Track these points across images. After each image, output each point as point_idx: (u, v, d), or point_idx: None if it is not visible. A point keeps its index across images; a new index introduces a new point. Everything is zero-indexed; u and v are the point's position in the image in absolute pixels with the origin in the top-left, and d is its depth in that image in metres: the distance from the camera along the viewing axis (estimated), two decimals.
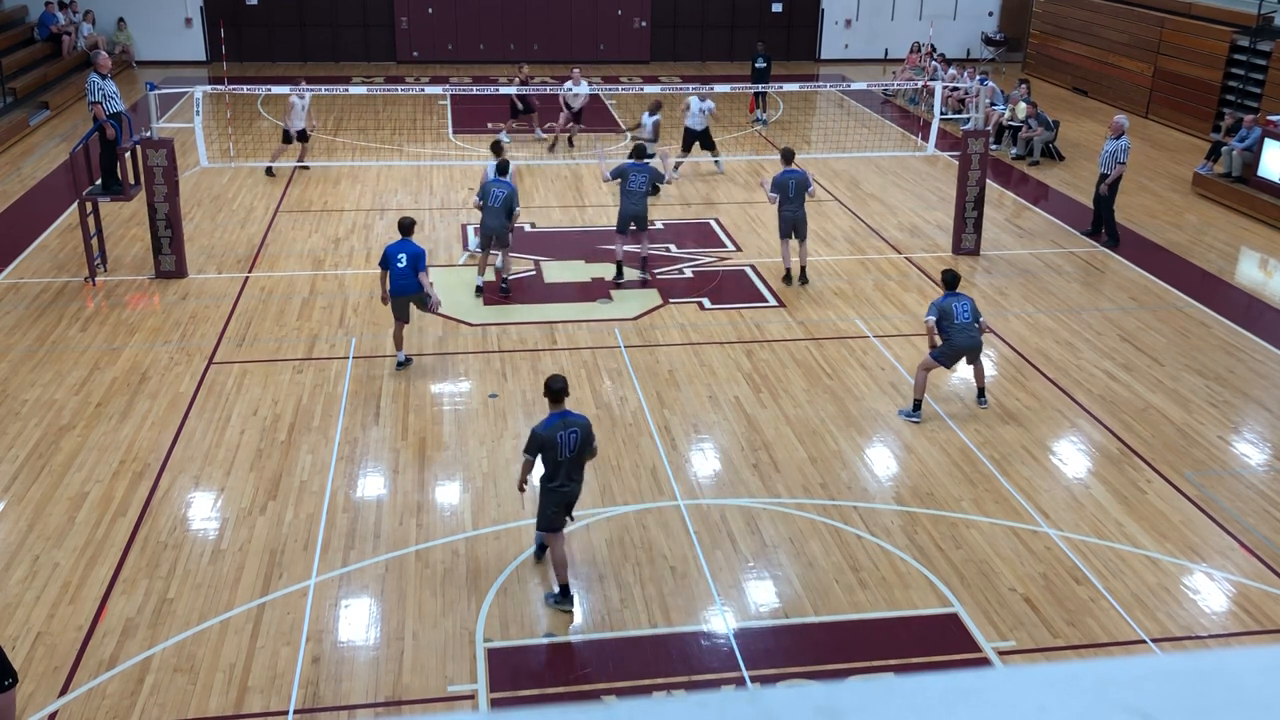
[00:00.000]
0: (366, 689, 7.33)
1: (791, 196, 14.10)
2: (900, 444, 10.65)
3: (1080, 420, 11.21)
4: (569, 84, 20.56)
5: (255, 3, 30.00)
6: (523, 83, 20.79)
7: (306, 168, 19.18)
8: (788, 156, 14.50)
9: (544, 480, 8.07)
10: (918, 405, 11.12)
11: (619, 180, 14.37)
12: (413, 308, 12.02)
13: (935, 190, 19.14)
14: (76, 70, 25.86)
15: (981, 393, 11.43)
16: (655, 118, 18.91)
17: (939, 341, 11.02)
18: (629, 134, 19.04)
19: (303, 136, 19.05)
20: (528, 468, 8.09)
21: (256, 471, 9.93)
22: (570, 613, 8.08)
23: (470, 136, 22.41)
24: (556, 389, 8.08)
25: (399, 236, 12.01)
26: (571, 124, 20.89)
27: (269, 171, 19.09)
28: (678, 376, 11.94)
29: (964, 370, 12.34)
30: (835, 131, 24.03)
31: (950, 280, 11.30)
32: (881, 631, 8.05)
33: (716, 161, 19.97)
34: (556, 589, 8.16)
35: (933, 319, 11.02)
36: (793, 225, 14.32)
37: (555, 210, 17.90)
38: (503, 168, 14.13)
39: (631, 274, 14.71)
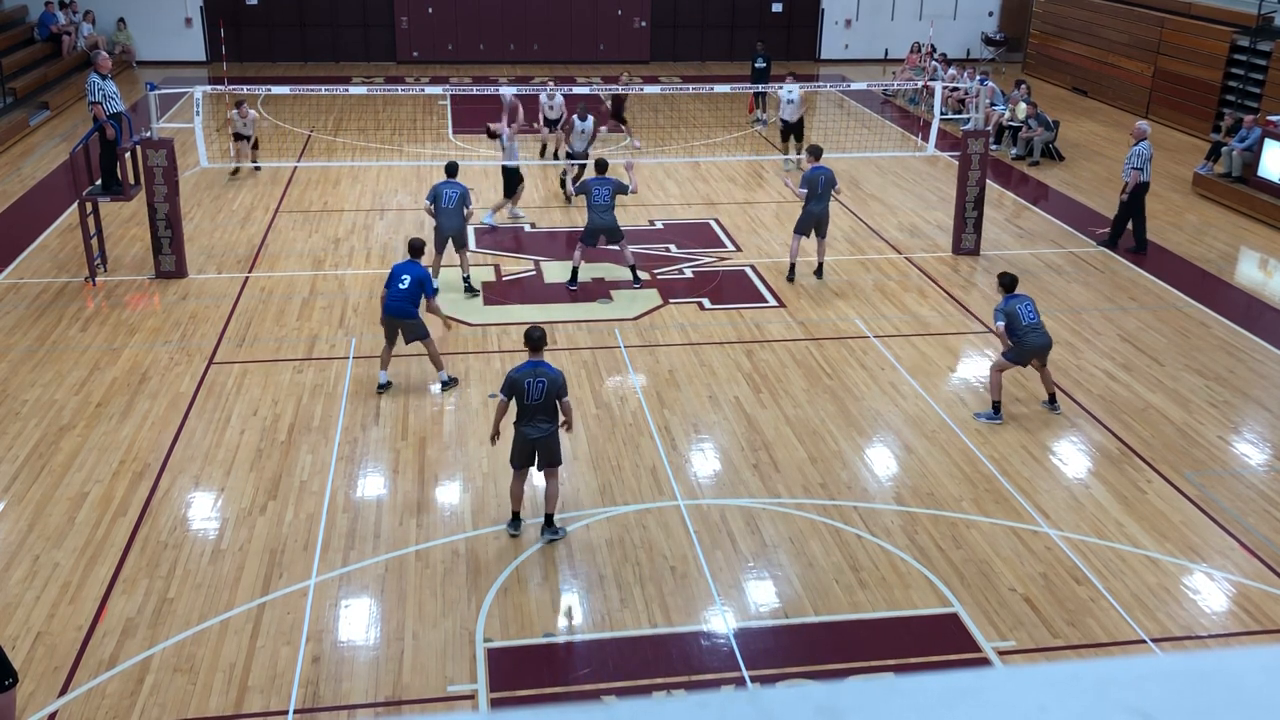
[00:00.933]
0: (366, 689, 7.33)
1: (820, 193, 14.30)
2: (900, 444, 10.65)
3: (1080, 420, 11.21)
4: (544, 95, 19.91)
5: (255, 3, 30.00)
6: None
7: (258, 168, 19.17)
8: (816, 153, 14.67)
9: (515, 422, 8.90)
10: (997, 407, 11.11)
11: (584, 195, 14.31)
12: (400, 336, 11.39)
13: (935, 190, 19.14)
14: (76, 70, 25.86)
15: (1052, 398, 11.35)
16: (587, 122, 18.10)
17: (1009, 344, 11.01)
18: (569, 150, 17.81)
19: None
20: (501, 409, 8.93)
21: (256, 471, 9.93)
22: (556, 540, 8.90)
23: (470, 136, 22.39)
24: (535, 338, 8.98)
25: (395, 244, 11.93)
26: (548, 133, 20.17)
27: (235, 173, 19.08)
28: (678, 376, 11.94)
29: (964, 371, 12.35)
30: (835, 131, 24.02)
31: (1009, 283, 11.29)
32: (881, 631, 8.05)
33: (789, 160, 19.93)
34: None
35: (1002, 324, 10.98)
36: (816, 222, 14.49)
37: (555, 210, 17.90)
38: (451, 169, 14.33)
39: (592, 275, 14.66)
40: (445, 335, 12.49)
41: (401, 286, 11.20)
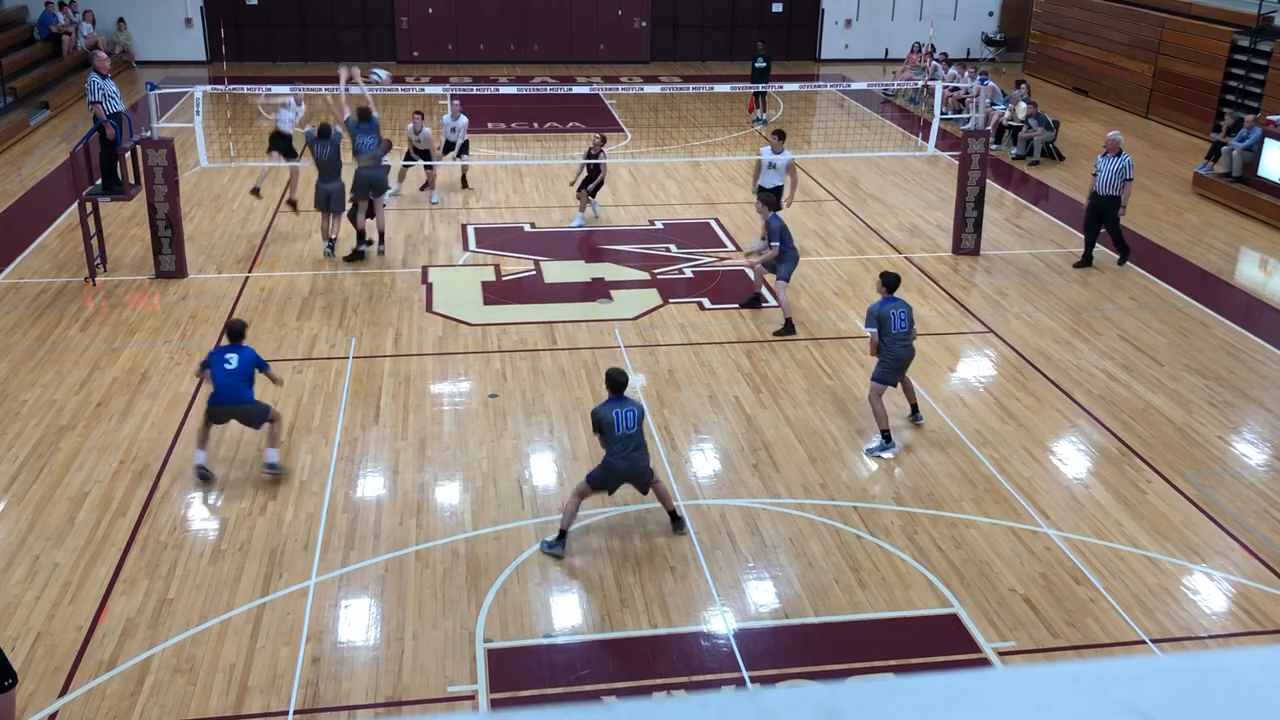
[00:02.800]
0: (366, 689, 7.33)
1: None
2: (900, 444, 10.64)
3: (1080, 420, 11.21)
4: (447, 117, 18.68)
5: (255, 3, 30.00)
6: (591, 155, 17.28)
7: (294, 204, 17.13)
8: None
9: (606, 455, 8.85)
10: (887, 435, 10.38)
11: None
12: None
13: (935, 190, 19.14)
14: (76, 70, 25.86)
15: (915, 409, 10.90)
16: (426, 131, 17.39)
17: (878, 356, 10.41)
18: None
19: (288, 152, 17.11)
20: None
21: (257, 471, 9.92)
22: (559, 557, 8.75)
23: (470, 136, 22.36)
24: (619, 381, 8.84)
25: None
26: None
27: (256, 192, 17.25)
28: (678, 376, 11.94)
29: (964, 371, 12.34)
30: (835, 131, 24.03)
31: (892, 283, 10.52)
32: (881, 631, 8.05)
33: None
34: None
35: (874, 330, 10.31)
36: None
37: (555, 210, 17.89)
38: (364, 114, 14.67)
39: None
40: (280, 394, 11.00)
41: (228, 367, 9.67)
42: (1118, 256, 15.60)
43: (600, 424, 8.74)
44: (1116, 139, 15.22)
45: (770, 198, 13.63)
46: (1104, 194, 15.08)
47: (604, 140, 17.38)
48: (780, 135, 15.44)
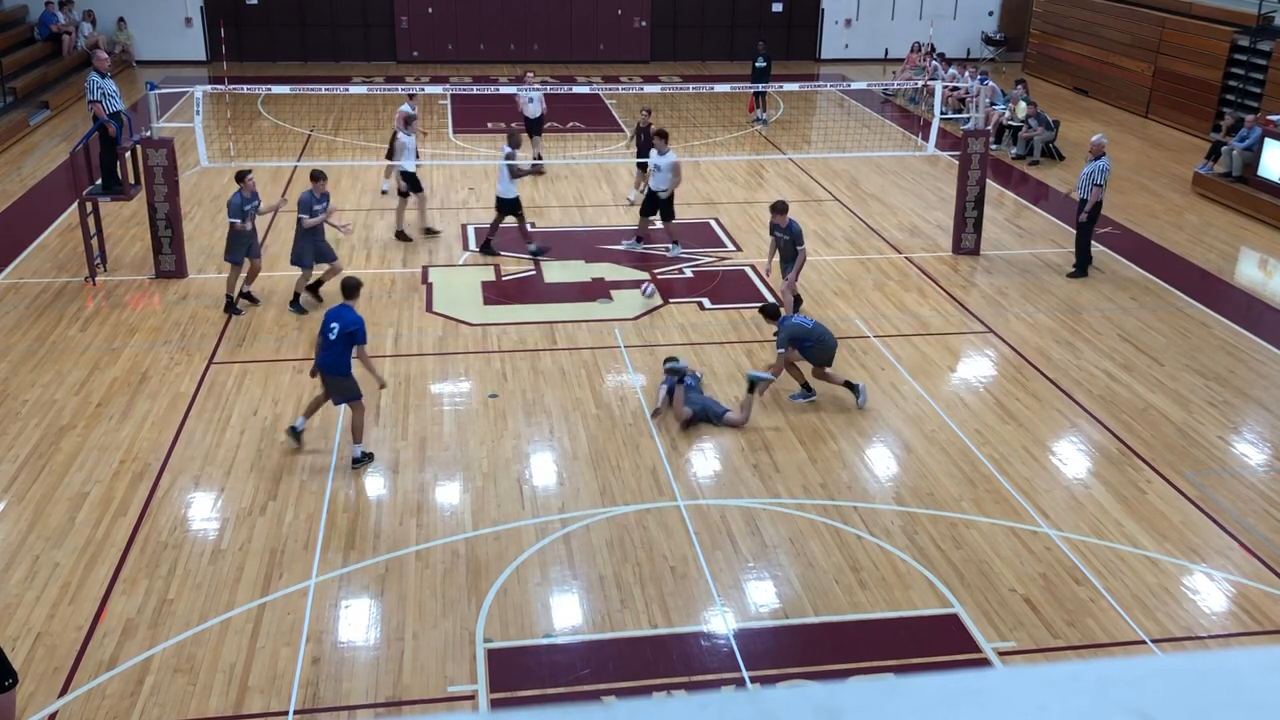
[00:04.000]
0: (366, 689, 7.33)
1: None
2: (900, 444, 10.65)
3: (1080, 420, 11.21)
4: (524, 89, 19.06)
5: (255, 3, 30.00)
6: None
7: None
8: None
9: None
10: (808, 385, 11.41)
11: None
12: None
13: (935, 190, 19.14)
14: (76, 70, 25.86)
15: (807, 387, 11.42)
16: (414, 133, 16.71)
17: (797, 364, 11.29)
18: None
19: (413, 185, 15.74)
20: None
21: (256, 472, 9.93)
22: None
23: (470, 136, 22.41)
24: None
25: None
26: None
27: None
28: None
29: (964, 371, 12.34)
30: (835, 131, 24.03)
31: (772, 312, 11.63)
32: (881, 632, 8.05)
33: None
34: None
35: (784, 351, 11.13)
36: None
37: (555, 210, 17.89)
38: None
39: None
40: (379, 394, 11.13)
41: (330, 336, 9.75)
42: (1074, 266, 15.16)
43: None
44: (1097, 142, 14.95)
45: (780, 203, 13.31)
46: (1081, 197, 14.92)
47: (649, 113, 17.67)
48: (663, 135, 15.75)
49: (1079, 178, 15.07)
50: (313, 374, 10.22)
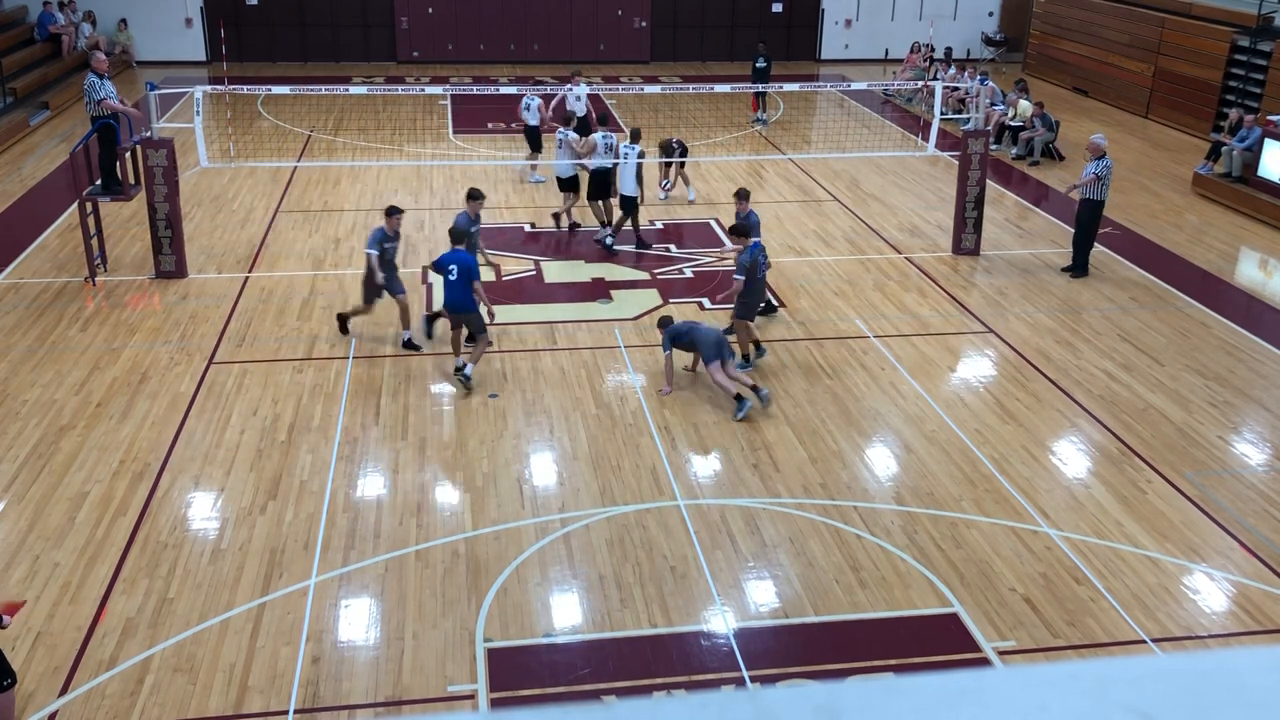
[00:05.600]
0: (366, 689, 7.33)
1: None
2: (900, 444, 10.65)
3: (1080, 420, 11.21)
4: (569, 86, 19.41)
5: (255, 3, 30.01)
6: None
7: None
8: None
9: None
10: (747, 357, 11.98)
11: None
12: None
13: (935, 190, 19.14)
14: (76, 70, 25.85)
15: (746, 358, 11.98)
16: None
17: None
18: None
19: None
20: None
21: (256, 471, 9.93)
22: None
23: (470, 136, 22.41)
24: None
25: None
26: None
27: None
28: (678, 376, 11.94)
29: (964, 371, 12.35)
30: (835, 131, 24.03)
31: (744, 230, 12.16)
32: (881, 631, 8.05)
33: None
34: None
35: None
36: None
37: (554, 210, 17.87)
38: (635, 135, 15.46)
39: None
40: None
41: (452, 278, 11.26)
42: (1070, 263, 15.18)
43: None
44: (1095, 142, 14.94)
45: (741, 190, 13.63)
46: (1083, 197, 14.93)
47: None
48: (635, 134, 16.00)
49: (1082, 178, 15.00)
50: (433, 319, 11.99)
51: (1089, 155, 14.97)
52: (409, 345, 12.45)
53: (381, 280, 12.20)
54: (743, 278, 11.79)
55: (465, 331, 11.76)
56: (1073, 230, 15.34)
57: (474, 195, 12.91)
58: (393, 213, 12.36)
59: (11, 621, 7.09)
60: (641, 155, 15.64)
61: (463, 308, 11.40)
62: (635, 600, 8.24)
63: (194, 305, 13.62)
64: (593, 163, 15.94)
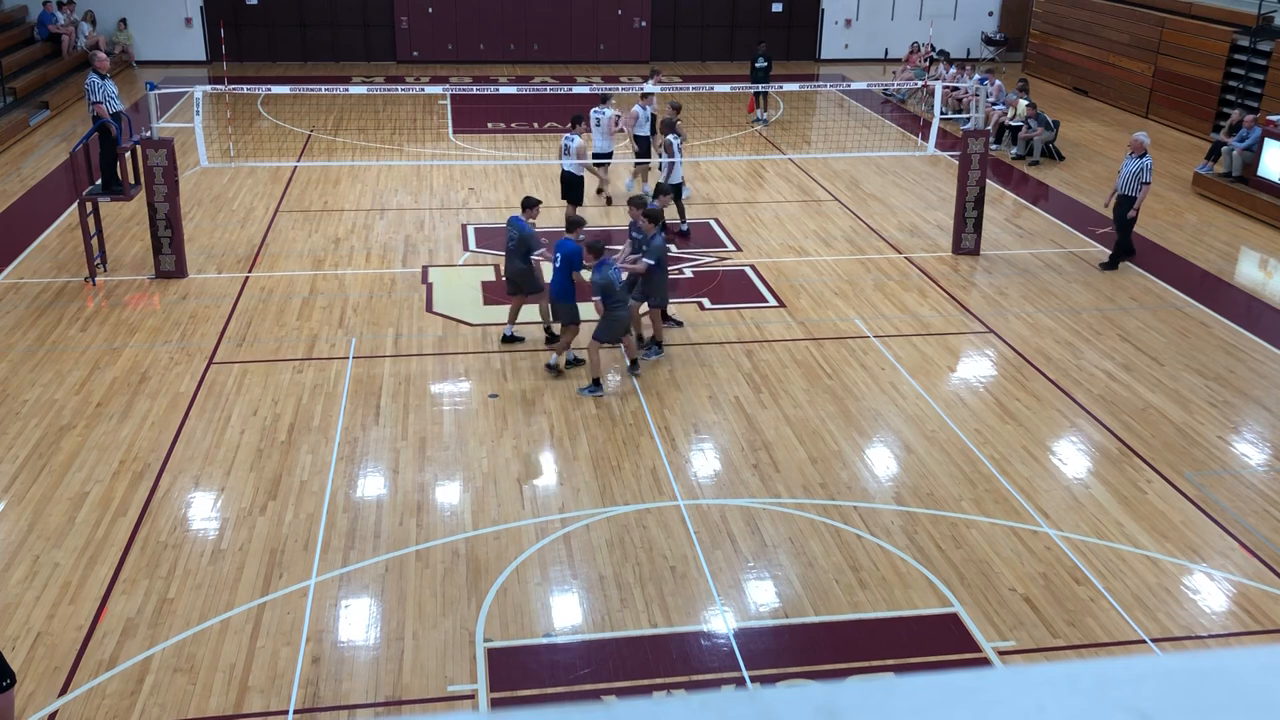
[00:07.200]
0: (366, 689, 7.33)
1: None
2: (900, 444, 10.65)
3: (1080, 420, 11.21)
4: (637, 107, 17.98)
5: (255, 3, 30.01)
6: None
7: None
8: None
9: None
10: (657, 342, 12.32)
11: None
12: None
13: (935, 190, 19.14)
14: (76, 70, 25.85)
15: (635, 362, 12.00)
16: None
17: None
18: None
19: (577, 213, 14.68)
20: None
21: (256, 471, 9.93)
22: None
23: (470, 136, 22.41)
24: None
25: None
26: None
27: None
28: (678, 376, 11.94)
29: (964, 371, 12.35)
30: (835, 131, 24.03)
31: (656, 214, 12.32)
32: (881, 631, 8.05)
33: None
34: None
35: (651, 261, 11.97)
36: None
37: (555, 210, 17.87)
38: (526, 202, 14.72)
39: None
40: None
41: (556, 265, 11.85)
42: (1109, 256, 15.55)
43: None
44: (1140, 140, 15.15)
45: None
46: (1121, 194, 15.17)
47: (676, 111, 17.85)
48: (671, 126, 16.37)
49: (1120, 175, 15.20)
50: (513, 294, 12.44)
51: (1131, 152, 15.10)
52: (510, 339, 12.76)
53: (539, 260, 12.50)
54: (652, 261, 12.07)
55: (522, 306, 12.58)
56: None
57: (529, 204, 12.75)
58: (530, 204, 12.76)
59: None
60: (681, 146, 16.17)
61: (560, 296, 11.84)
62: (635, 600, 8.24)
63: (194, 305, 13.62)
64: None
